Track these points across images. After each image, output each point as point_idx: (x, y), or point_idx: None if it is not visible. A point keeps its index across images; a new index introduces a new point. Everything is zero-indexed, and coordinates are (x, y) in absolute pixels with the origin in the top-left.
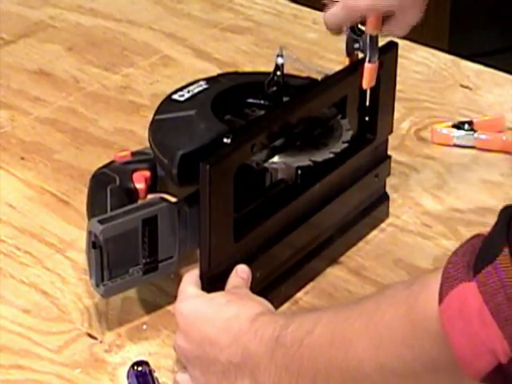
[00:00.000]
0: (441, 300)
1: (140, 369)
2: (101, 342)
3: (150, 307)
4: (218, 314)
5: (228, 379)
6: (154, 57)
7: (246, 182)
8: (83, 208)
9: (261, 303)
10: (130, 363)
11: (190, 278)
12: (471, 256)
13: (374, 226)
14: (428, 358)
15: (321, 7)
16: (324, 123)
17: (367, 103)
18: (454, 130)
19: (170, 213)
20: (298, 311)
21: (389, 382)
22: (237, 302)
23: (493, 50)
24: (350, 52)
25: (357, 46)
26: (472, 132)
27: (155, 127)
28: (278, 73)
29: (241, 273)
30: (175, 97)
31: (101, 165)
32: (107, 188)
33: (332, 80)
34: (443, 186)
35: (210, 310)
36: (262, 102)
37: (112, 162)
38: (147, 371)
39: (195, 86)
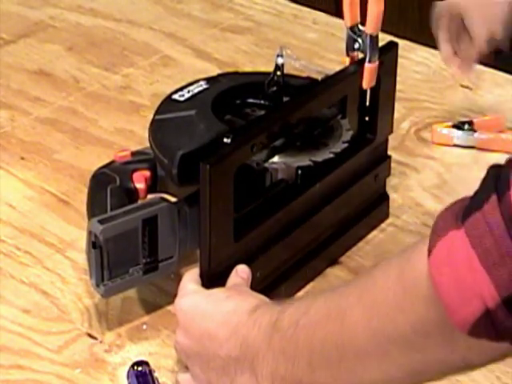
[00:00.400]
0: (430, 252)
1: (140, 369)
2: (101, 342)
3: (150, 307)
4: (216, 308)
5: (228, 374)
6: (153, 57)
7: (246, 181)
8: (83, 208)
9: (259, 298)
10: (130, 363)
11: (191, 276)
12: (460, 210)
13: (373, 226)
14: (418, 319)
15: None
16: (324, 123)
17: (367, 103)
18: (454, 130)
19: (170, 213)
20: (295, 298)
21: (382, 351)
22: (236, 297)
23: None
24: (349, 52)
25: (357, 46)
26: (472, 132)
27: (155, 127)
28: (278, 73)
29: (241, 273)
30: (175, 97)
31: (101, 165)
32: (107, 188)
33: (332, 80)
34: (443, 186)
35: (209, 305)
36: (261, 101)
37: (112, 162)
38: (147, 371)
39: (195, 85)
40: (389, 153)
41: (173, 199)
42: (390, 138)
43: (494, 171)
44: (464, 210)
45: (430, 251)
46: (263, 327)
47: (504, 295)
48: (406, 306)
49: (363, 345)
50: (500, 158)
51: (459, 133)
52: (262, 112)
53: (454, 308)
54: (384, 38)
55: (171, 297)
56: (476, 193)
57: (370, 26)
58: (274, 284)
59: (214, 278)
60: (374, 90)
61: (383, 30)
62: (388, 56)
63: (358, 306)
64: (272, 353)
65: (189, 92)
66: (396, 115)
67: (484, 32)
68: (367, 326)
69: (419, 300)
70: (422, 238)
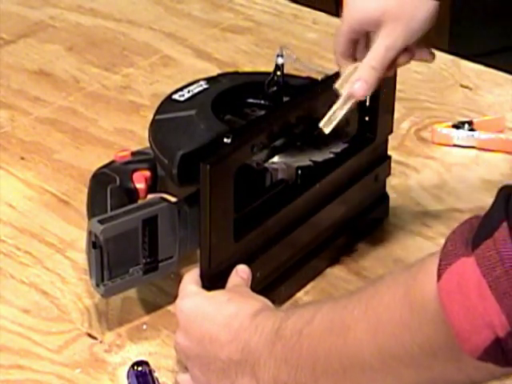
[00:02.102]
0: (439, 277)
1: (140, 369)
2: (101, 342)
3: (150, 307)
4: (218, 311)
5: (228, 377)
6: (153, 57)
7: (246, 182)
8: (83, 208)
9: (261, 301)
10: (130, 363)
11: (191, 277)
12: (470, 233)
13: (373, 226)
14: (425, 339)
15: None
16: None
17: (367, 103)
18: (454, 130)
19: (170, 213)
20: (298, 305)
21: (388, 367)
22: (237, 300)
23: (493, 50)
24: None
25: None
26: (472, 132)
27: (155, 127)
28: (278, 73)
29: (241, 273)
30: (175, 97)
31: (101, 165)
32: (107, 188)
33: (332, 80)
34: (443, 186)
35: (211, 307)
36: (261, 101)
37: (112, 162)
38: (147, 371)
39: (195, 85)
40: (389, 153)
41: (173, 199)
42: (390, 137)
43: (505, 193)
44: (474, 236)
45: (439, 276)
46: (265, 333)
47: None
48: (414, 326)
49: (368, 360)
50: (500, 158)
51: (459, 133)
52: (262, 112)
53: (465, 336)
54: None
55: (171, 297)
56: (486, 216)
57: None
58: (274, 284)
59: (214, 278)
60: (374, 90)
61: None
62: None
63: (363, 322)
64: (274, 359)
65: (189, 92)
66: (396, 115)
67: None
68: (372, 341)
69: (427, 321)
70: (427, 256)
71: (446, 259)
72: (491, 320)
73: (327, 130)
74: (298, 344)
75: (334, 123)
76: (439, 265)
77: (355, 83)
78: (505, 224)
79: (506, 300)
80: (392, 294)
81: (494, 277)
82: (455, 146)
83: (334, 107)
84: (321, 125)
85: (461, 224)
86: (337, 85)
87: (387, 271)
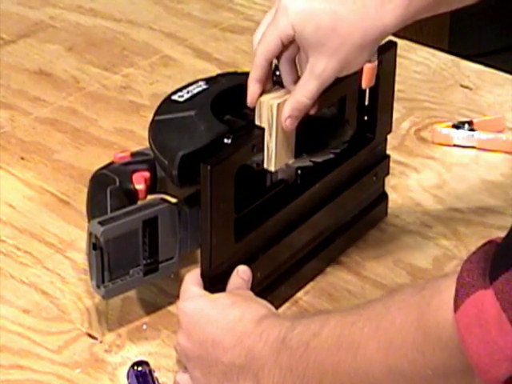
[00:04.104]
0: (456, 308)
1: (140, 369)
2: (101, 342)
3: (150, 307)
4: (222, 314)
5: (230, 381)
6: (153, 57)
7: (246, 182)
8: (83, 208)
9: (264, 306)
10: (130, 363)
11: (193, 278)
12: (486, 263)
13: (372, 226)
14: (439, 364)
15: None
16: (324, 123)
17: (366, 103)
18: (454, 130)
19: (170, 214)
20: (303, 313)
21: None
22: (241, 304)
23: (493, 50)
24: None
25: None
26: (472, 132)
27: (155, 128)
28: (278, 73)
29: (241, 274)
30: (175, 97)
31: (101, 165)
32: (107, 189)
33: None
34: (443, 186)
35: (214, 310)
36: None
37: (111, 163)
38: (147, 371)
39: (195, 86)
40: (389, 153)
41: (173, 200)
42: (391, 137)
43: None
44: (492, 267)
45: (456, 306)
46: (270, 341)
47: None
48: (427, 351)
49: (378, 378)
50: (500, 158)
51: (459, 133)
52: None
53: (485, 369)
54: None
55: (171, 297)
56: (503, 244)
57: None
58: (274, 284)
59: (214, 279)
60: (373, 89)
61: None
62: (387, 56)
63: (374, 341)
64: (279, 368)
65: (188, 92)
66: (396, 115)
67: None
68: (384, 362)
69: (442, 347)
70: (441, 278)
71: (463, 290)
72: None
73: (274, 168)
74: (305, 355)
75: (275, 157)
76: (456, 295)
77: (285, 120)
78: None
79: None
80: (404, 316)
81: None
82: (455, 146)
83: (265, 143)
84: (265, 166)
85: (475, 252)
86: (257, 121)
87: (387, 271)
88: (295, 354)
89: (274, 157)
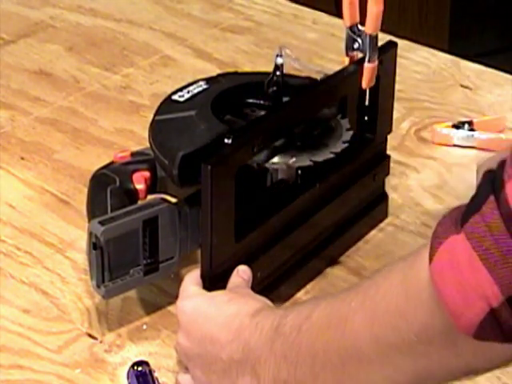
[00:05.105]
0: (431, 259)
1: (140, 369)
2: (101, 342)
3: (150, 307)
4: (219, 311)
5: (229, 377)
6: (153, 57)
7: (246, 182)
8: (83, 208)
9: (261, 301)
10: (130, 363)
11: (192, 278)
12: (458, 214)
13: (372, 226)
14: (421, 327)
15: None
16: (324, 123)
17: (366, 103)
18: (454, 130)
19: (170, 213)
20: (297, 303)
21: (385, 356)
22: (238, 300)
23: (493, 50)
24: (349, 52)
25: (356, 45)
26: (472, 132)
27: (155, 128)
28: (278, 73)
29: (242, 273)
30: (175, 97)
31: (101, 165)
32: (107, 189)
33: (332, 80)
34: (443, 186)
35: (212, 307)
36: (261, 102)
37: (112, 163)
38: (147, 371)
39: (195, 86)
40: (389, 153)
41: (173, 200)
42: (391, 137)
43: (489, 175)
44: (463, 214)
45: (430, 258)
46: (265, 331)
47: (508, 294)
48: (409, 314)
49: (365, 351)
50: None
51: (459, 133)
52: (262, 112)
53: (459, 312)
54: (384, 38)
55: (171, 297)
56: (473, 197)
57: (370, 26)
58: (274, 284)
59: (215, 279)
60: (374, 89)
61: (383, 30)
62: (387, 56)
63: (360, 313)
64: (274, 357)
65: (188, 92)
66: (396, 115)
67: None
68: (369, 332)
69: (422, 307)
70: (424, 244)
71: (436, 240)
72: (484, 291)
73: None
74: (297, 340)
75: None
76: (430, 248)
77: None
78: (492, 197)
79: (498, 270)
80: (388, 283)
81: (484, 248)
82: (455, 146)
83: None
84: None
85: (450, 210)
86: None
87: None
88: (288, 339)
89: None
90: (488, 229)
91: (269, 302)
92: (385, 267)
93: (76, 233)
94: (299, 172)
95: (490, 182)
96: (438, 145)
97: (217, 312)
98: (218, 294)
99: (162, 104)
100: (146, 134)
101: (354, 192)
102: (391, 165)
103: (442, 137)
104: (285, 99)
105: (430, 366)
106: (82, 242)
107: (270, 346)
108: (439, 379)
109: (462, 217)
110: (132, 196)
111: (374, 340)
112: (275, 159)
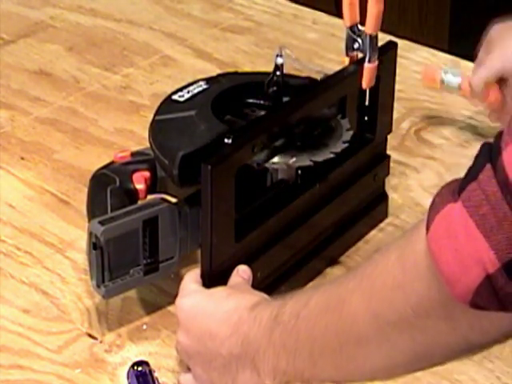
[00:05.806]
0: (428, 228)
1: (140, 369)
2: (101, 342)
3: (150, 307)
4: (217, 307)
5: (229, 373)
6: (153, 57)
7: (246, 182)
8: (83, 208)
9: (259, 295)
10: (130, 363)
11: (192, 276)
12: (456, 185)
13: (372, 226)
14: (418, 299)
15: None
16: (324, 123)
17: (366, 103)
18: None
19: (170, 213)
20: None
21: (383, 334)
22: (236, 295)
23: None
24: (349, 52)
25: (356, 45)
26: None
27: (155, 128)
28: (278, 73)
29: (242, 273)
30: (175, 97)
31: (101, 165)
32: (107, 189)
33: (332, 80)
34: None
35: (210, 303)
36: (261, 102)
37: (112, 163)
38: (147, 371)
39: (195, 86)
40: (389, 153)
41: (173, 200)
42: (391, 137)
43: (487, 146)
44: (460, 184)
45: (428, 228)
46: (264, 322)
47: (503, 260)
48: (406, 287)
49: (363, 330)
50: None
51: (448, 76)
52: (262, 112)
53: (455, 278)
54: (384, 38)
55: (171, 297)
56: (471, 167)
57: (370, 26)
58: (275, 284)
59: (215, 279)
60: (374, 89)
61: (383, 30)
62: (387, 56)
63: (358, 292)
64: (273, 347)
65: (188, 92)
66: (396, 115)
67: None
68: (367, 310)
69: (419, 279)
70: (421, 219)
71: (433, 210)
72: (480, 257)
73: None
74: (296, 327)
75: None
76: (428, 217)
77: None
78: (488, 165)
79: (494, 236)
80: (386, 259)
81: (480, 215)
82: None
83: None
84: None
85: (448, 182)
86: None
87: None
88: (287, 327)
89: None
90: (484, 196)
91: (267, 296)
92: (383, 246)
93: (76, 233)
94: (299, 172)
95: (487, 151)
96: (426, 84)
97: (215, 308)
98: (216, 291)
99: (162, 104)
100: (146, 134)
101: (353, 192)
102: (391, 165)
103: (430, 74)
104: (285, 99)
105: (427, 342)
106: (82, 242)
107: (268, 336)
108: (438, 356)
109: (459, 185)
110: (132, 196)
111: (372, 317)
112: (275, 159)
